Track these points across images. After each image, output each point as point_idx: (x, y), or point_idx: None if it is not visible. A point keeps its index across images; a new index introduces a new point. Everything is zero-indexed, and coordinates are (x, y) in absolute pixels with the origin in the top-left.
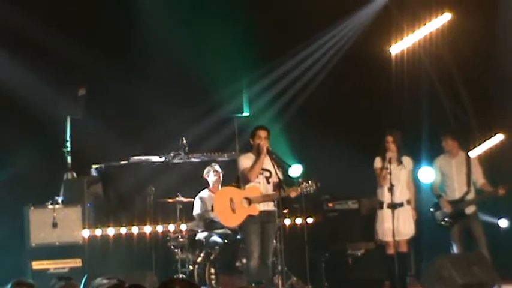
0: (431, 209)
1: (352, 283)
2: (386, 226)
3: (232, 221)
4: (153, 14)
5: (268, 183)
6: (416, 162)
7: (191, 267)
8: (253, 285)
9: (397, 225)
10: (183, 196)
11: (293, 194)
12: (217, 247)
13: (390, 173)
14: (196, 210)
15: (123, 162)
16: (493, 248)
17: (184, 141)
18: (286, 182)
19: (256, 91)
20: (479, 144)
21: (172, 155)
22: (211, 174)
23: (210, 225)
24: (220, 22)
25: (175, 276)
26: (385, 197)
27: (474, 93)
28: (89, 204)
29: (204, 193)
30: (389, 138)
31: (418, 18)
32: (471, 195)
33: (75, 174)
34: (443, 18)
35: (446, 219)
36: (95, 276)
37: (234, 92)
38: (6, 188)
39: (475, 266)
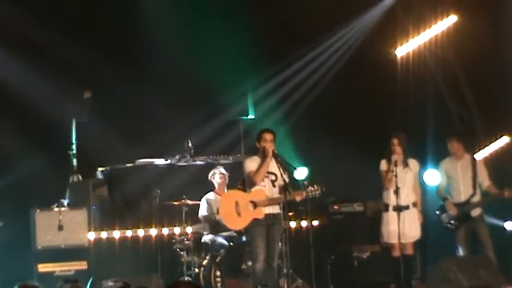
0: (437, 212)
1: (358, 285)
2: (392, 229)
3: (238, 224)
4: (158, 17)
5: (274, 186)
6: (422, 164)
7: (197, 270)
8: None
9: (402, 228)
10: (189, 199)
11: (298, 198)
12: (222, 250)
13: (396, 176)
14: (202, 212)
15: (128, 165)
16: (499, 251)
17: (190, 144)
18: (292, 184)
19: (262, 94)
20: (485, 146)
21: (177, 157)
22: (217, 177)
23: (216, 227)
24: (225, 24)
25: (180, 279)
26: (391, 199)
27: (479, 95)
28: (94, 207)
29: (210, 195)
30: (395, 141)
31: (423, 20)
32: (477, 198)
33: (80, 177)
34: (448, 21)
35: (452, 221)
36: (100, 278)
37: (240, 94)
38: (12, 191)
39: (481, 268)
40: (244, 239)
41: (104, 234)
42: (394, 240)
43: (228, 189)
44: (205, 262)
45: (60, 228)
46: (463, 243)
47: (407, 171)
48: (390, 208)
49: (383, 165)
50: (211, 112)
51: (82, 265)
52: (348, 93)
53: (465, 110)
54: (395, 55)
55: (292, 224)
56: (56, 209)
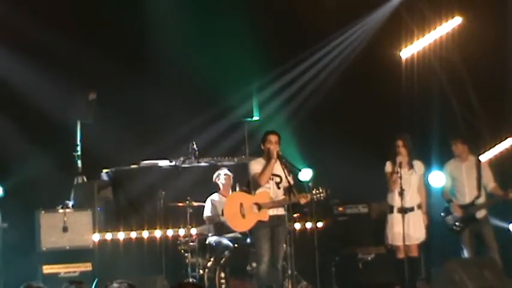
0: (442, 214)
1: (362, 287)
2: (397, 230)
3: (242, 226)
4: (165, 19)
5: (279, 188)
6: (427, 166)
7: (201, 271)
8: None
9: (407, 230)
10: (193, 200)
11: (303, 201)
12: (227, 251)
13: (401, 178)
14: (207, 213)
15: (133, 166)
16: (504, 252)
17: (195, 145)
18: (297, 186)
19: (266, 95)
20: (490, 148)
21: (182, 159)
22: (222, 178)
23: (221, 229)
24: (230, 26)
25: (185, 281)
26: (396, 201)
27: (484, 97)
28: (99, 209)
29: (215, 197)
30: (399, 142)
31: (428, 22)
32: (482, 199)
33: (85, 179)
34: (453, 22)
35: (456, 223)
36: (105, 280)
37: (244, 96)
38: (17, 192)
39: (486, 270)
40: (248, 240)
41: (108, 236)
42: (398, 242)
43: (232, 190)
44: (209, 263)
45: (65, 229)
46: (467, 245)
47: (412, 173)
48: (395, 210)
49: (388, 167)
50: (216, 114)
51: (87, 266)
52: (353, 94)
53: (470, 112)
54: (400, 57)
55: (297, 226)
56: (61, 211)
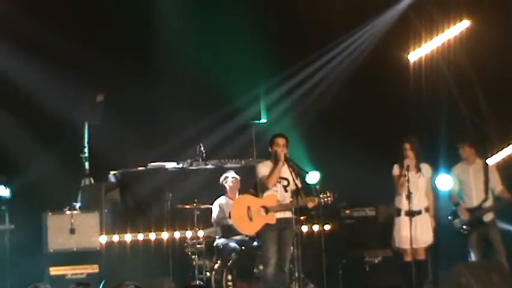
0: (449, 217)
1: None
2: (404, 233)
3: (249, 229)
4: (172, 21)
5: (286, 191)
6: (434, 169)
7: (208, 274)
8: None
9: (414, 233)
10: (200, 202)
11: (310, 205)
12: (234, 253)
13: (408, 181)
14: (214, 216)
15: (140, 168)
16: (511, 256)
17: (202, 147)
18: (304, 189)
19: (274, 98)
20: (498, 151)
21: (189, 161)
22: (229, 181)
23: (228, 231)
24: (238, 28)
25: (192, 283)
26: (403, 204)
27: (492, 100)
28: (106, 210)
29: (222, 199)
30: (407, 145)
31: (436, 25)
32: (489, 203)
33: (92, 180)
34: (461, 25)
35: (464, 226)
36: (112, 282)
37: (252, 98)
38: (24, 194)
39: (493, 274)
40: (255, 243)
41: (115, 238)
42: (406, 245)
43: (239, 193)
44: (216, 266)
45: (72, 231)
46: (475, 249)
47: (419, 176)
48: (402, 213)
49: (395, 170)
50: (224, 116)
51: (94, 268)
52: (361, 97)
53: (478, 115)
54: (408, 60)
55: (304, 229)
56: (68, 212)
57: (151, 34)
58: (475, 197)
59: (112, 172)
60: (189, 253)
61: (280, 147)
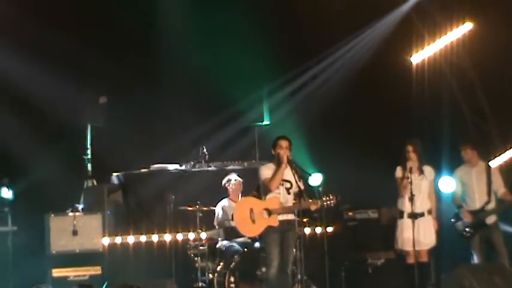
0: (452, 219)
1: None
2: (407, 236)
3: (252, 231)
4: (174, 23)
5: (289, 193)
6: (437, 171)
7: (211, 276)
8: None
9: (417, 235)
10: (203, 204)
11: (313, 207)
12: (237, 256)
13: (411, 183)
14: (217, 218)
15: (143, 170)
16: None
17: (205, 149)
18: (307, 191)
19: (277, 100)
20: (500, 153)
21: (192, 163)
22: (232, 183)
23: (231, 233)
24: (241, 31)
25: (195, 285)
26: (406, 206)
27: (495, 102)
28: (109, 212)
29: (225, 202)
30: (410, 148)
31: (439, 27)
32: (492, 205)
33: (95, 182)
34: (464, 28)
35: (467, 229)
36: (114, 284)
37: (255, 100)
38: (27, 195)
39: (496, 276)
40: (258, 245)
41: (118, 240)
42: (408, 248)
43: (242, 195)
44: (219, 268)
45: (75, 233)
46: (477, 251)
47: (422, 179)
48: (405, 215)
49: (398, 172)
50: (227, 118)
51: (96, 270)
52: (363, 99)
53: (480, 117)
54: (411, 62)
55: (307, 231)
56: (71, 214)
57: (154, 36)
58: (477, 200)
59: (115, 174)
60: (192, 255)
61: (283, 149)
